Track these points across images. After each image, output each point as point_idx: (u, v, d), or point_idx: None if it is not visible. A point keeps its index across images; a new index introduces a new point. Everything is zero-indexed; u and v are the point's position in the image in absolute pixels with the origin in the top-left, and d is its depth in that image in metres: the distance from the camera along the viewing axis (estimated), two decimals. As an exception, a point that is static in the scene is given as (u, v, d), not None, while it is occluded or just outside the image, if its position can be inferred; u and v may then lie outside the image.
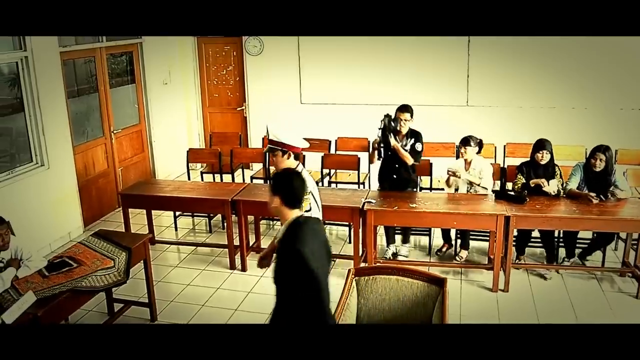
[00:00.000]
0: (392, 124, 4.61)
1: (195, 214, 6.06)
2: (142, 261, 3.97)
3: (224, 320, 4.11)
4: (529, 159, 4.71)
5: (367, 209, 4.45)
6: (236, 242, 4.93)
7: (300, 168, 3.20)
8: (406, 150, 4.69)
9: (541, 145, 4.55)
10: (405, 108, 4.70)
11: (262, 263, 3.08)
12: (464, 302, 4.27)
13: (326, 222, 5.64)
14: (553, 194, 4.54)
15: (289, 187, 2.47)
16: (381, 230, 5.29)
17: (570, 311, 4.13)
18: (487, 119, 6.66)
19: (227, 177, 6.12)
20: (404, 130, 4.71)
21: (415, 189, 5.01)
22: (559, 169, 4.64)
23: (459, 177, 4.73)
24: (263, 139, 6.57)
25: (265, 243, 5.26)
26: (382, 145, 4.62)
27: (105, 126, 6.31)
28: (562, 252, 4.86)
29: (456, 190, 4.88)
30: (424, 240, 5.39)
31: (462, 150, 4.73)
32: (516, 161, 5.08)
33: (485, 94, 6.73)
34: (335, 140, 6.22)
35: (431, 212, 4.42)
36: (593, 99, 6.32)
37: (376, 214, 4.47)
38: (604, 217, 4.22)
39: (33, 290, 3.15)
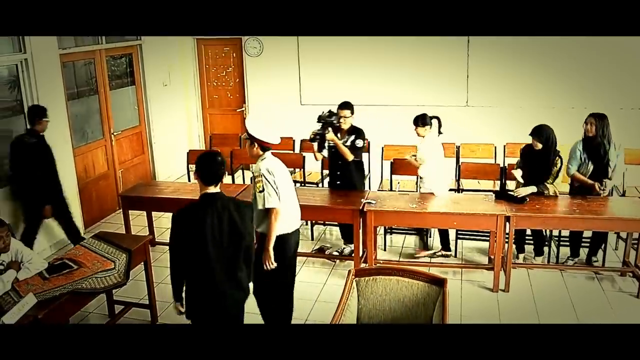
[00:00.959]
0: (331, 118, 4.64)
1: (195, 215, 6.04)
2: (142, 263, 3.97)
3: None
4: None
5: (367, 209, 4.46)
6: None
7: (267, 156, 3.45)
8: (347, 147, 4.71)
9: (533, 131, 4.49)
10: (345, 105, 4.76)
11: None
12: (464, 302, 4.27)
13: (327, 222, 5.68)
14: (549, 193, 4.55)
15: (205, 166, 2.80)
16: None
17: (571, 311, 4.13)
18: (486, 119, 6.67)
19: (227, 178, 6.12)
20: (345, 127, 4.75)
21: (362, 188, 5.04)
22: (561, 159, 4.52)
23: (415, 160, 4.85)
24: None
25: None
26: (317, 136, 4.65)
27: (105, 128, 6.31)
28: (566, 251, 4.86)
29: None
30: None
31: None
32: (516, 161, 5.06)
33: (485, 94, 6.74)
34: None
35: (431, 212, 4.43)
36: (593, 99, 6.31)
37: (376, 215, 4.48)
38: (604, 217, 4.22)
39: (33, 292, 3.15)
